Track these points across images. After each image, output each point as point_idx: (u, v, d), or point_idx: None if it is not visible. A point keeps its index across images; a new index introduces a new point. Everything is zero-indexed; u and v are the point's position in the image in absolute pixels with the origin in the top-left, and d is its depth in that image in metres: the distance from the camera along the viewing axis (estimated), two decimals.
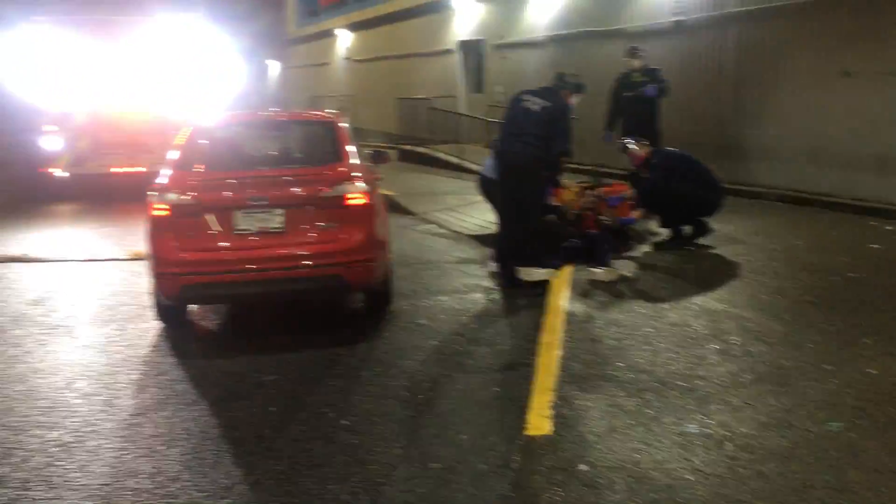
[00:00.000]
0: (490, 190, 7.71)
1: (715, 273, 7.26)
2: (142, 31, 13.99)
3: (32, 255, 9.22)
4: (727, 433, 4.08)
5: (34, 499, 3.73)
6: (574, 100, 7.31)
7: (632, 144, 8.51)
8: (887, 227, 8.72)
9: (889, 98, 9.35)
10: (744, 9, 11.16)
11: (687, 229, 8.25)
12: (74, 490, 3.80)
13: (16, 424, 4.55)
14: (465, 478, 3.80)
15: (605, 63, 14.19)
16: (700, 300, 6.41)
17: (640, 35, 13.11)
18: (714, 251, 8.00)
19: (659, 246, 8.22)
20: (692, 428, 4.14)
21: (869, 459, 3.75)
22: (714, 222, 8.38)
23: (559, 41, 15.61)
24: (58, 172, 13.61)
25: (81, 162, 13.58)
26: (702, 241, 8.21)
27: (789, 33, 10.56)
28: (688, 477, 3.66)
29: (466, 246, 9.04)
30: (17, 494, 3.77)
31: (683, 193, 7.92)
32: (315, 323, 6.45)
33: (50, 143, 13.48)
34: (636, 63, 10.29)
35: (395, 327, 6.13)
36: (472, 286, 7.25)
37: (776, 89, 10.85)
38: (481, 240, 9.03)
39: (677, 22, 12.38)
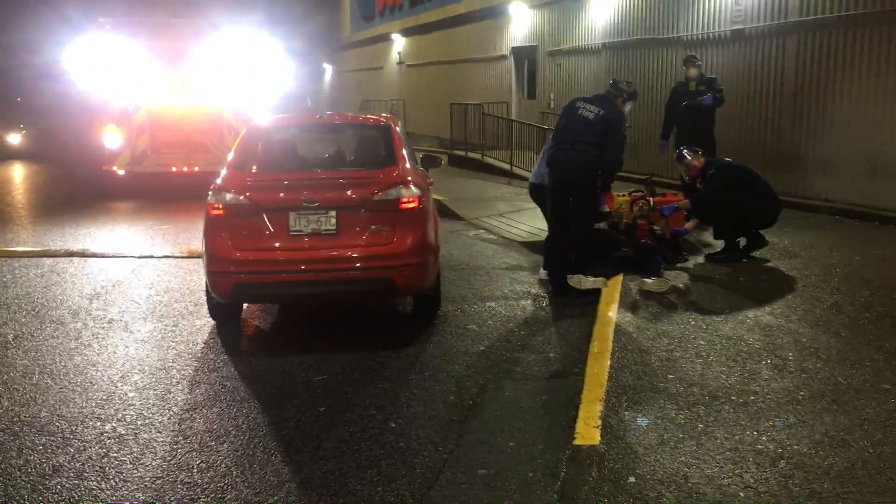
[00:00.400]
0: (541, 197, 7.65)
1: (769, 286, 7.12)
2: (200, 34, 14.29)
3: (92, 250, 9.47)
4: (781, 450, 3.99)
5: (89, 489, 3.82)
6: (627, 107, 7.25)
7: (688, 154, 8.39)
8: None
9: None
10: (805, 18, 10.94)
11: (742, 241, 8.11)
12: (128, 482, 3.89)
13: (73, 416, 4.67)
14: (512, 485, 3.79)
15: (662, 71, 14.09)
16: (754, 314, 6.29)
17: (698, 43, 12.95)
18: (769, 264, 7.85)
19: (712, 257, 8.09)
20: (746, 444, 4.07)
21: None
22: (770, 235, 8.23)
23: (614, 48, 15.49)
24: (118, 171, 13.96)
25: (140, 161, 13.90)
26: (757, 253, 8.06)
27: (851, 43, 10.31)
28: (739, 493, 3.60)
29: (516, 252, 9.02)
30: (73, 484, 3.86)
31: (739, 205, 7.79)
32: (364, 325, 6.50)
33: (111, 141, 13.83)
34: (693, 72, 10.17)
35: (444, 332, 6.14)
36: (522, 293, 7.23)
37: (837, 100, 10.61)
38: (531, 247, 9.00)
39: (736, 30, 12.18)
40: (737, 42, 12.23)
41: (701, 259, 8.14)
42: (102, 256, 9.17)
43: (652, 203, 8.65)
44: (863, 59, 10.17)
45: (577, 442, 4.18)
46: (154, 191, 14.04)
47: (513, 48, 20.09)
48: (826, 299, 6.58)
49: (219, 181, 6.09)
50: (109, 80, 13.79)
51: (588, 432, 4.28)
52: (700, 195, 8.16)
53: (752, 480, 3.71)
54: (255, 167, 6.62)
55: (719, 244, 8.28)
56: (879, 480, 3.68)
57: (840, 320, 6.04)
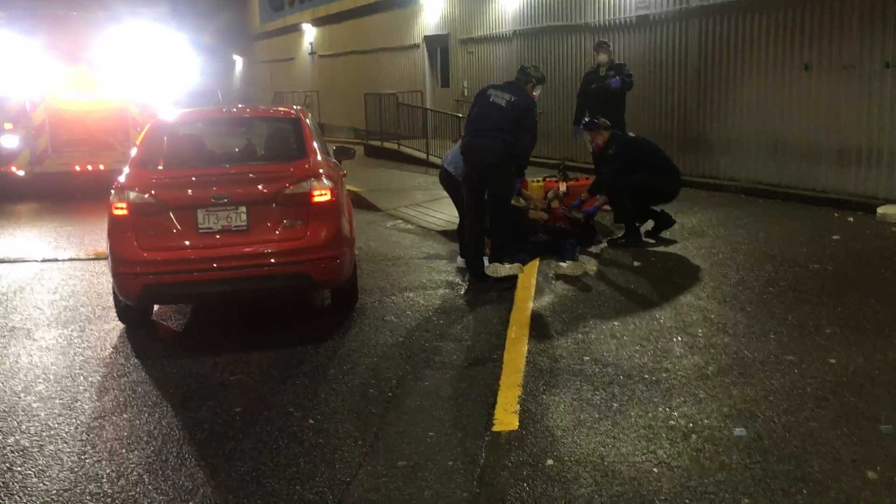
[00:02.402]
0: (452, 183, 7.63)
1: (679, 265, 7.31)
2: (101, 27, 13.79)
3: None
4: (692, 425, 4.10)
5: None
6: (537, 92, 7.31)
7: (592, 127, 8.42)
8: (849, 219, 8.84)
9: (847, 91, 9.48)
10: (706, 3, 11.24)
11: (647, 225, 8.26)
12: (33, 496, 3.73)
13: None
14: (432, 475, 3.78)
15: (571, 57, 14.29)
16: (664, 293, 6.45)
17: (605, 29, 13.17)
18: (677, 244, 8.05)
19: (614, 242, 8.10)
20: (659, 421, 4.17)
21: (829, 449, 3.79)
22: (678, 215, 8.44)
23: (524, 35, 15.63)
24: (17, 171, 13.35)
25: (41, 160, 13.33)
26: (666, 233, 8.26)
27: (750, 27, 10.65)
28: (653, 470, 3.68)
29: (434, 241, 9.03)
30: None
31: (638, 185, 7.86)
32: (280, 321, 6.40)
33: (8, 141, 13.22)
34: (603, 57, 10.32)
35: (362, 324, 6.10)
36: (440, 282, 7.24)
37: (738, 83, 10.95)
38: (449, 235, 9.02)
39: (641, 16, 12.44)
40: (642, 28, 12.49)
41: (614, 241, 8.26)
42: (3, 262, 8.75)
43: (566, 188, 8.77)
44: (761, 42, 10.52)
45: (496, 428, 4.20)
46: (57, 191, 13.50)
47: (425, 37, 20.05)
48: (732, 276, 6.80)
49: (122, 179, 5.89)
50: (5, 76, 13.17)
51: (507, 418, 4.31)
52: (600, 179, 8.30)
53: (665, 456, 3.80)
54: (160, 164, 6.43)
55: (633, 227, 8.41)
56: (785, 449, 3.82)
57: (746, 296, 6.25)
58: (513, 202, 7.62)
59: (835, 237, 7.99)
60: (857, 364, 4.79)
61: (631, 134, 8.69)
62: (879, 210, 8.76)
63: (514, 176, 7.47)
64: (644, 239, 8.12)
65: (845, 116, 9.55)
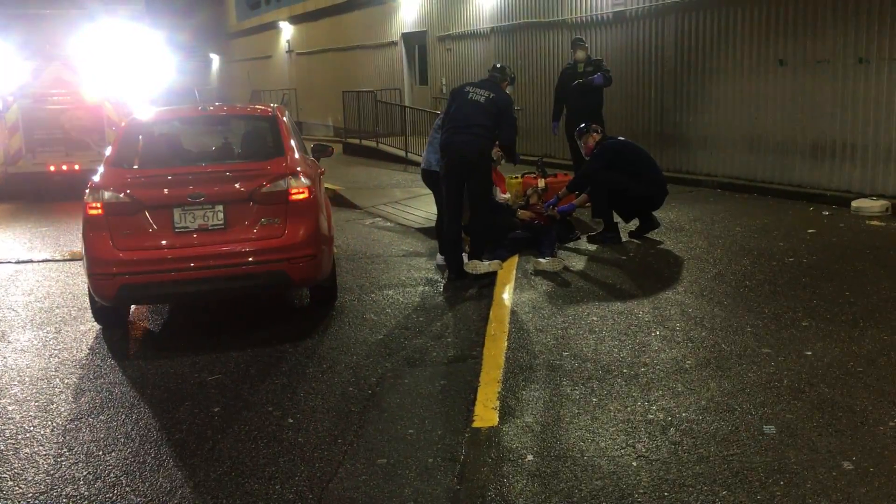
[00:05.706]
0: (434, 179, 7.61)
1: (657, 260, 7.35)
2: (76, 25, 13.66)
3: None
4: (670, 418, 4.13)
5: None
6: (509, 90, 7.35)
7: (584, 133, 8.43)
8: (824, 213, 8.93)
9: (822, 86, 9.57)
10: None
11: (632, 225, 8.27)
12: (8, 500, 3.68)
13: None
14: (412, 472, 3.78)
15: (549, 54, 14.33)
16: (643, 287, 6.48)
17: (582, 26, 13.21)
18: (656, 239, 8.09)
19: (592, 238, 8.12)
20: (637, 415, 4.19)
21: (805, 440, 3.82)
22: (656, 210, 8.45)
23: (502, 32, 15.64)
24: None
25: (14, 161, 13.18)
26: (652, 235, 8.16)
27: (725, 23, 10.73)
28: (632, 463, 3.70)
29: (413, 239, 9.02)
30: None
31: (612, 184, 7.87)
32: (259, 320, 6.37)
33: None
34: (580, 54, 10.36)
35: (341, 322, 6.08)
36: (419, 279, 7.23)
37: (714, 78, 11.03)
38: (428, 233, 9.01)
39: (618, 12, 12.49)
40: (618, 23, 12.54)
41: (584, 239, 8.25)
42: None
43: (544, 184, 8.80)
44: (737, 38, 10.60)
45: (475, 424, 4.20)
46: (32, 192, 13.36)
47: (403, 34, 20.02)
48: (710, 270, 6.84)
49: (96, 179, 5.84)
50: None
51: (486, 414, 4.31)
52: (576, 176, 8.33)
53: (643, 450, 3.82)
54: (136, 163, 6.37)
55: (617, 222, 8.38)
56: (762, 441, 3.85)
57: (723, 289, 6.30)
58: (502, 201, 7.65)
59: (810, 231, 8.08)
60: (833, 356, 4.84)
61: (620, 138, 8.62)
62: (854, 204, 8.87)
63: (511, 160, 7.51)
64: (621, 236, 8.11)
65: (819, 111, 9.65)
